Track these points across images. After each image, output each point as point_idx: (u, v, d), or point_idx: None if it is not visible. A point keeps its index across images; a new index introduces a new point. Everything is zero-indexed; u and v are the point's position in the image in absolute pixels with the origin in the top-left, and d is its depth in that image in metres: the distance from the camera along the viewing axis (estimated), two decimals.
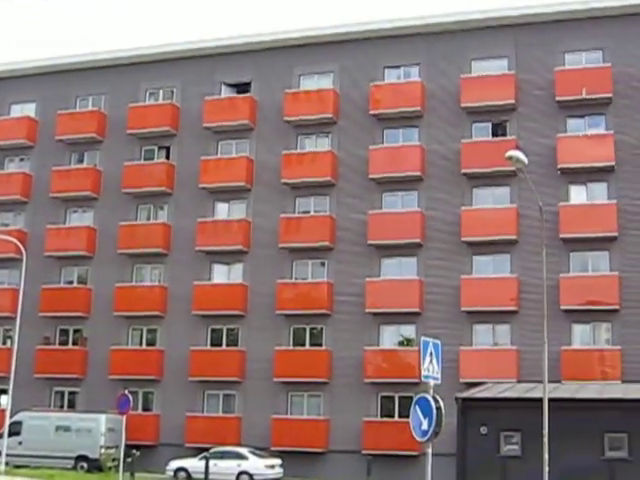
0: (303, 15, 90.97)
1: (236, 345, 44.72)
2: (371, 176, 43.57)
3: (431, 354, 16.24)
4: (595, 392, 34.95)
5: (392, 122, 44.39)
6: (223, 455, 39.12)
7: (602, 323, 39.86)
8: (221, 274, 46.07)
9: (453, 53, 43.96)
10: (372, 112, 44.36)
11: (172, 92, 49.12)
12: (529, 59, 42.87)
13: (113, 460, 38.23)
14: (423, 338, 16.42)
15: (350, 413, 41.55)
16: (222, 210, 46.81)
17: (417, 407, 15.85)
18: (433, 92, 43.98)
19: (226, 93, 48.11)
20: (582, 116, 41.91)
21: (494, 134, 42.89)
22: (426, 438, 15.75)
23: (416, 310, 41.55)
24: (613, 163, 40.33)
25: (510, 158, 26.01)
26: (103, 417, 41.86)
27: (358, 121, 44.96)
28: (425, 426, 15.67)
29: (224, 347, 45.00)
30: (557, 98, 41.76)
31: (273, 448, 41.79)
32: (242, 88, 47.89)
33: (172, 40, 50.34)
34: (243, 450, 39.83)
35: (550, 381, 30.89)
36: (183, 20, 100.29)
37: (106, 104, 50.17)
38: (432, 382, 16.16)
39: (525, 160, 26.35)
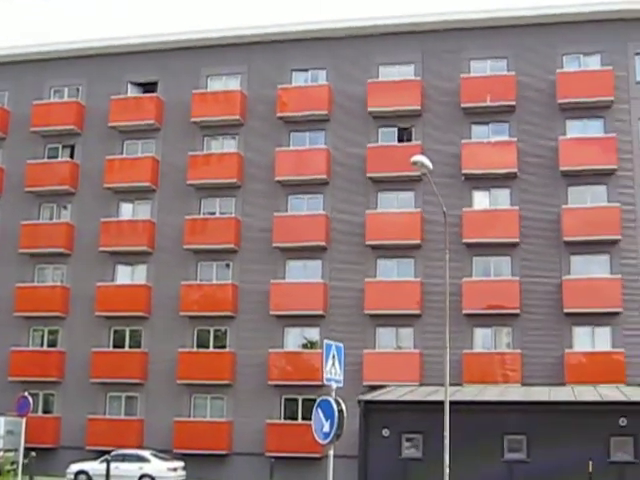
0: (215, 16, 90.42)
1: (139, 347, 44.25)
2: (277, 179, 43.57)
3: (334, 357, 16.30)
4: (495, 395, 35.49)
5: (299, 125, 44.46)
6: (125, 458, 38.70)
7: (503, 327, 40.50)
8: (125, 275, 45.56)
9: (360, 58, 44.24)
10: (279, 115, 44.38)
11: (78, 90, 48.37)
12: (435, 66, 43.37)
13: (12, 463, 37.49)
14: (326, 341, 16.48)
15: (253, 415, 41.49)
16: (127, 210, 46.30)
17: (319, 410, 15.89)
18: (340, 96, 44.19)
19: (133, 92, 47.62)
20: (486, 123, 42.56)
21: (400, 139, 43.28)
22: (328, 440, 15.81)
23: (320, 313, 41.68)
24: (516, 170, 41.04)
25: (415, 163, 26.28)
26: (2, 419, 41.06)
27: (265, 123, 44.92)
28: (327, 429, 15.72)
29: (127, 349, 44.50)
30: (462, 105, 42.33)
31: (176, 450, 41.49)
32: (149, 88, 47.45)
33: (78, 37, 49.48)
34: (145, 453, 39.45)
35: (452, 384, 31.33)
36: (93, 17, 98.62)
37: (10, 101, 49.18)
38: (334, 385, 16.22)
39: (430, 165, 26.65)
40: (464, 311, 39.83)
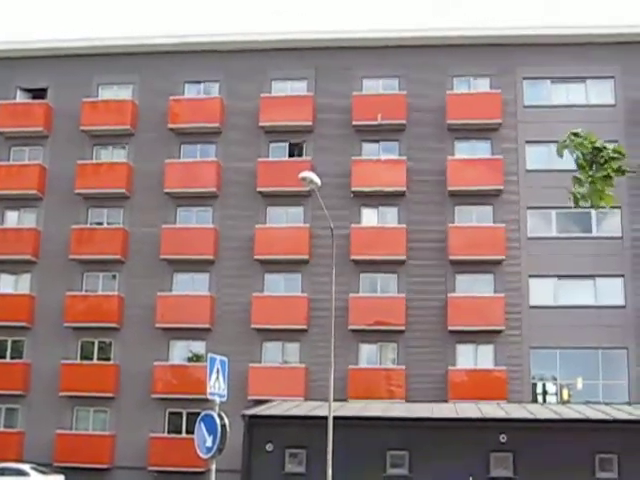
0: (108, 24, 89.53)
1: (21, 357, 43.36)
2: (166, 190, 43.27)
3: (218, 371, 16.21)
4: (379, 411, 35.75)
5: (190, 137, 44.28)
6: (3, 472, 37.81)
7: (388, 343, 40.93)
8: (8, 284, 44.61)
9: (254, 72, 44.29)
10: (170, 126, 44.11)
11: None
12: (328, 83, 43.71)
13: None
14: (210, 355, 16.38)
15: (137, 429, 40.99)
16: (12, 218, 45.36)
17: (202, 424, 15.78)
18: (232, 109, 44.14)
19: (22, 98, 46.76)
20: (377, 141, 43.07)
21: (291, 154, 43.47)
22: (210, 455, 15.69)
23: (207, 326, 41.51)
24: (404, 188, 41.60)
25: (304, 179, 26.44)
26: None
27: (156, 134, 44.58)
28: (209, 443, 15.60)
29: (8, 359, 43.54)
30: (353, 122, 42.75)
31: (56, 464, 40.72)
32: (38, 94, 46.65)
33: None
34: (24, 466, 38.60)
35: (337, 399, 31.55)
36: None
37: None
38: (218, 399, 16.12)
39: (318, 181, 26.83)
40: (350, 327, 40.13)
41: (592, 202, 9.46)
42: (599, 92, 43.28)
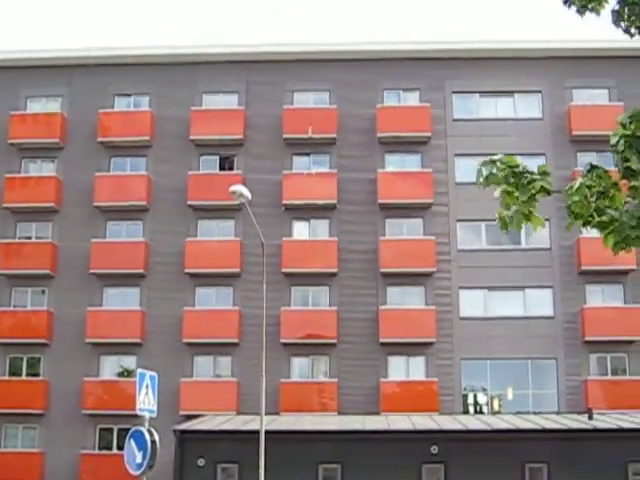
0: (36, 35, 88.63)
1: None
2: (96, 204, 42.86)
3: (147, 386, 16.07)
4: (311, 424, 35.73)
5: (120, 150, 43.93)
6: None
7: (320, 356, 40.97)
8: None
9: (185, 85, 44.10)
10: (100, 139, 43.73)
11: None
12: (259, 96, 43.71)
13: None
14: (139, 370, 16.25)
15: (67, 445, 40.43)
16: None
17: (132, 440, 15.63)
18: (163, 122, 43.89)
19: None
20: (307, 154, 43.18)
21: (222, 168, 43.36)
22: (140, 471, 15.55)
23: (137, 341, 41.17)
24: (335, 201, 41.75)
25: (234, 192, 26.42)
26: None
27: (85, 147, 44.14)
28: (139, 459, 15.46)
29: None
30: (284, 135, 42.80)
31: None
32: None
33: None
34: None
35: (269, 413, 31.43)
36: None
37: None
38: (148, 415, 15.98)
39: (248, 195, 26.82)
40: (282, 340, 40.08)
41: (516, 225, 9.57)
42: (527, 106, 43.91)
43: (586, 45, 43.42)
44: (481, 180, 9.51)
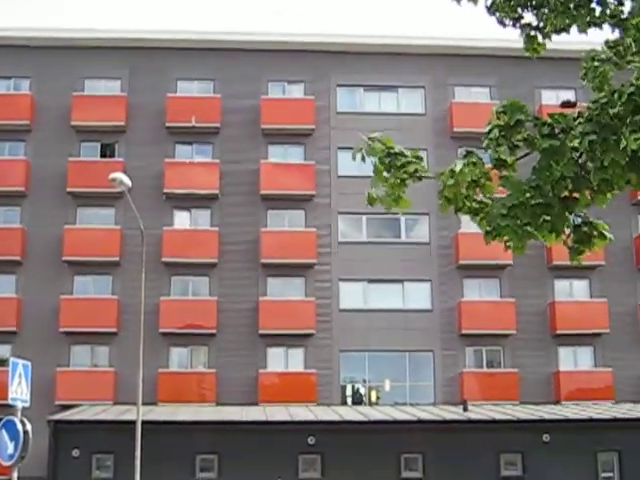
0: None
1: None
2: None
3: (20, 375, 15.76)
4: (189, 414, 35.56)
5: None
6: None
7: (200, 347, 40.77)
8: None
9: (66, 69, 43.17)
10: None
11: None
12: (142, 83, 43.14)
13: None
14: (12, 359, 15.93)
15: None
16: None
17: (3, 430, 15.34)
18: (43, 107, 42.91)
19: None
20: (190, 143, 42.86)
21: (103, 154, 42.70)
22: (12, 462, 15.27)
23: (12, 329, 40.23)
24: (217, 191, 41.57)
25: (114, 180, 26.08)
26: None
27: None
28: (11, 450, 15.19)
29: None
30: (167, 124, 42.39)
31: None
32: None
33: None
34: None
35: (146, 403, 31.20)
36: None
37: None
38: (20, 404, 15.68)
39: (129, 183, 26.51)
40: (161, 330, 39.74)
41: (386, 205, 9.66)
42: (410, 101, 44.44)
43: (469, 44, 44.14)
44: (360, 153, 9.56)
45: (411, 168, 9.39)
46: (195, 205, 41.92)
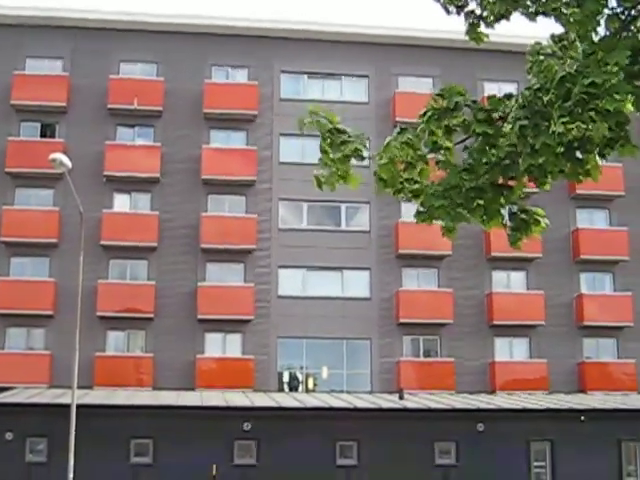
0: None
1: None
2: None
3: None
4: (125, 398, 35.38)
5: None
6: None
7: (137, 331, 40.52)
8: None
9: (7, 48, 42.52)
10: None
11: None
12: (85, 64, 42.65)
13: None
14: None
15: None
16: None
17: None
18: None
19: None
20: (132, 126, 42.50)
21: (43, 135, 42.19)
22: None
23: None
24: (158, 175, 41.30)
25: (53, 160, 25.78)
26: None
27: None
28: None
29: None
30: (109, 105, 41.99)
31: None
32: None
33: None
34: None
35: (82, 387, 31.01)
36: None
37: None
38: None
39: (69, 164, 26.23)
40: (98, 313, 39.43)
41: (332, 186, 9.68)
42: (353, 90, 44.49)
43: (414, 34, 44.33)
44: (307, 119, 9.59)
45: (352, 146, 9.43)
46: (135, 188, 41.62)
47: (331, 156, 9.49)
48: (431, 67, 44.07)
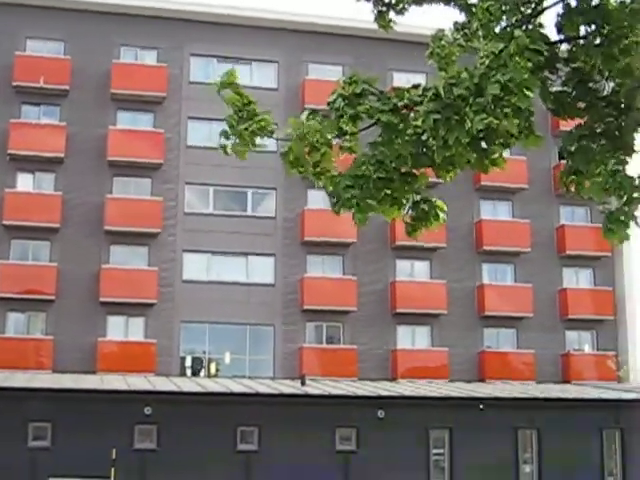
0: None
1: None
2: None
3: None
4: (23, 381, 34.81)
5: None
6: None
7: (38, 312, 39.91)
8: None
9: None
10: None
11: None
12: None
13: None
14: None
15: None
16: None
17: None
18: None
19: None
20: (38, 104, 41.73)
21: None
22: None
23: None
24: (63, 154, 40.66)
25: None
26: None
27: None
28: None
29: None
30: (14, 83, 41.15)
31: None
32: None
33: None
34: None
35: None
36: None
37: None
38: None
39: None
40: None
41: (239, 155, 9.68)
42: (263, 75, 44.37)
43: (325, 22, 44.43)
44: (223, 84, 9.59)
45: (261, 122, 9.45)
46: (39, 168, 40.88)
47: (238, 128, 9.49)
48: (342, 55, 44.14)
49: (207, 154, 40.41)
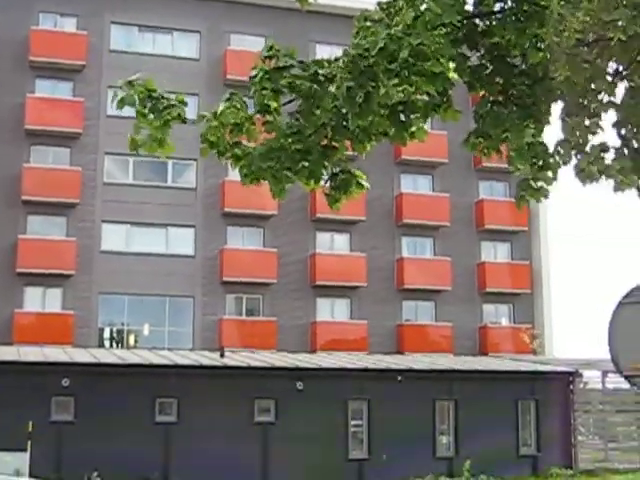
0: None
1: None
2: None
3: None
4: None
5: None
6: None
7: None
8: None
9: None
10: None
11: None
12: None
13: None
14: None
15: None
16: None
17: None
18: None
19: None
20: None
21: None
22: None
23: None
24: None
25: None
26: None
27: None
28: None
29: None
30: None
31: None
32: None
33: None
34: None
35: None
36: None
37: None
38: None
39: None
40: None
41: (149, 150, 9.60)
42: (185, 45, 44.02)
43: None
44: (121, 99, 9.46)
45: (174, 112, 9.39)
46: None
47: (148, 118, 9.40)
48: (264, 27, 43.89)
49: (127, 123, 39.29)
